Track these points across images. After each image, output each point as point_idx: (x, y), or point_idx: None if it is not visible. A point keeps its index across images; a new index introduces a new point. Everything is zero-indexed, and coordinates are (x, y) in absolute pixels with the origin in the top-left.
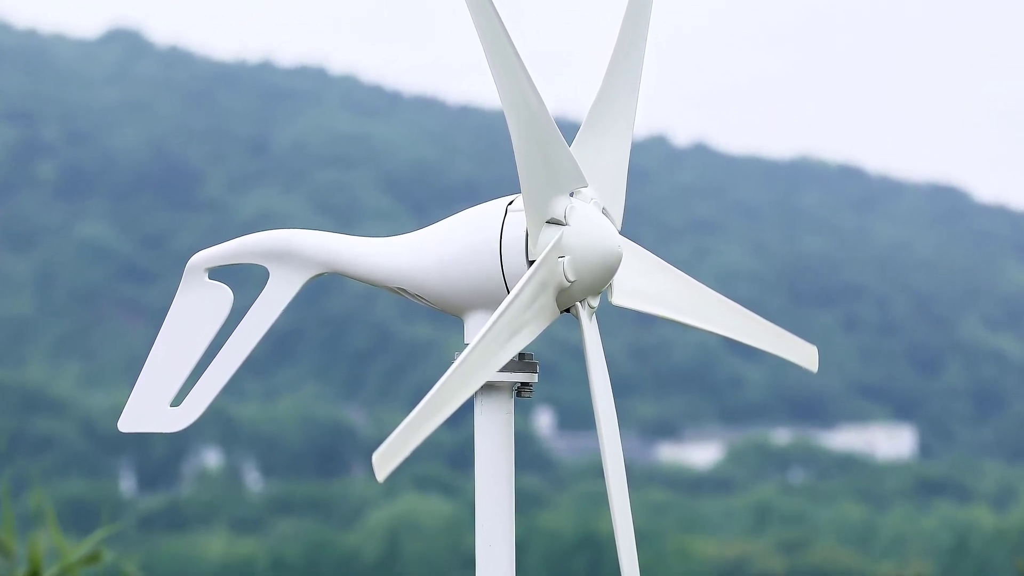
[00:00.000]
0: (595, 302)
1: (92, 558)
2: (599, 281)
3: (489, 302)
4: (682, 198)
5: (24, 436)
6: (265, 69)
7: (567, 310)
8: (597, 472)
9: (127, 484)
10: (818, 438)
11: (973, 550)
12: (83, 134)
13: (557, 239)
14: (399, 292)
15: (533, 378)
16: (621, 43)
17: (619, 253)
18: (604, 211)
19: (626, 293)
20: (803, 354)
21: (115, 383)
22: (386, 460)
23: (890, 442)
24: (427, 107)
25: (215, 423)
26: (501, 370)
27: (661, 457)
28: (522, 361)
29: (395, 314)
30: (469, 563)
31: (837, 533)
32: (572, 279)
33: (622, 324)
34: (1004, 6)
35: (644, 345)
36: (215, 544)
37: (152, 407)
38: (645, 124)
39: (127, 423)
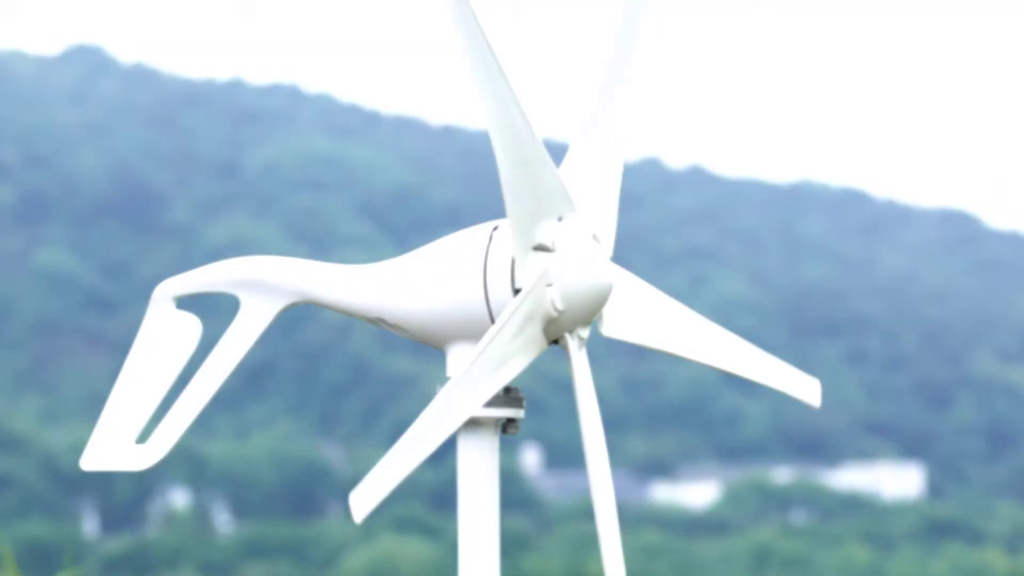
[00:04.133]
0: (585, 333)
1: None
2: (589, 311)
3: (473, 333)
4: (677, 224)
5: None
6: (235, 88)
7: (555, 341)
8: (587, 513)
9: (90, 525)
10: (821, 477)
11: None
12: (42, 156)
13: (545, 267)
14: (377, 323)
15: (519, 413)
16: (612, 60)
17: (610, 282)
18: (594, 237)
19: (618, 324)
20: (805, 388)
21: (77, 419)
22: (364, 500)
23: (897, 481)
24: (407, 128)
25: (183, 461)
26: (485, 405)
27: (655, 497)
28: (508, 395)
29: (373, 346)
30: None
31: None
32: (560, 309)
33: (613, 356)
34: (1014, 27)
35: (637, 379)
36: None
37: (116, 444)
38: (638, 146)
39: (90, 461)
